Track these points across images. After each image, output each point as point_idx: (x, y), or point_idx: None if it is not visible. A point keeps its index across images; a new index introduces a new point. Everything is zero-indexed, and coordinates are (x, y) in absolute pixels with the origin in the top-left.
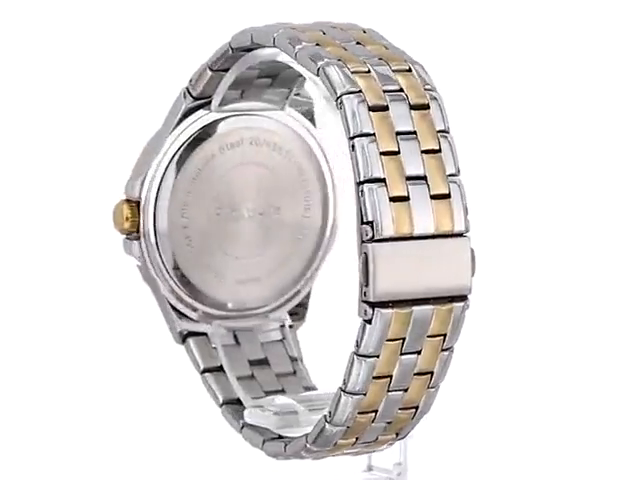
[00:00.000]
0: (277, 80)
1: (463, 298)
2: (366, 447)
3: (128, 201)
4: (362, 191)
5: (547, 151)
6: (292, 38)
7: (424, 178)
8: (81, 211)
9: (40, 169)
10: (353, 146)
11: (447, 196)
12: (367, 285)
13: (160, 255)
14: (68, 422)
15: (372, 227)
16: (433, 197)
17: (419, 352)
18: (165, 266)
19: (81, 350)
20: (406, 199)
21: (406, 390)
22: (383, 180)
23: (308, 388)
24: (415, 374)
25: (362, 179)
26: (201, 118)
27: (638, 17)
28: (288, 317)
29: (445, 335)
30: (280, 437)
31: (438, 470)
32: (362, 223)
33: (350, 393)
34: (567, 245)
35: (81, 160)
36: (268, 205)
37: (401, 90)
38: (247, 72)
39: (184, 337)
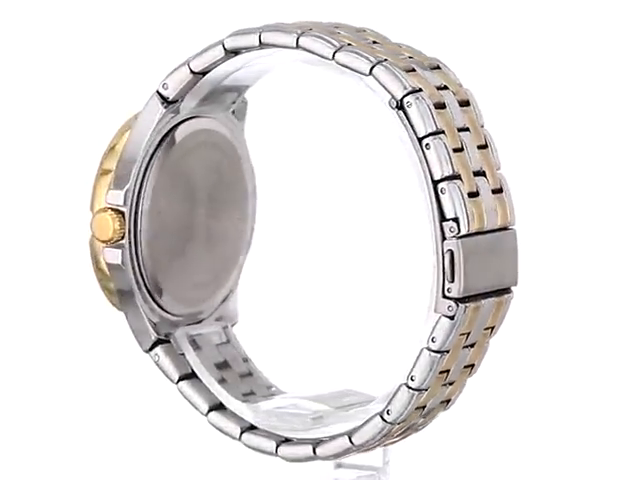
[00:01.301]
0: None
1: (509, 290)
2: (390, 442)
3: (111, 209)
4: (442, 189)
5: (545, 151)
6: (322, 39)
7: (484, 174)
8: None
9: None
10: (427, 145)
11: (500, 190)
12: (452, 281)
13: (139, 262)
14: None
15: (457, 223)
16: (493, 192)
17: (473, 345)
18: (142, 274)
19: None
20: (476, 195)
21: (452, 384)
22: (459, 177)
23: (270, 387)
24: (463, 367)
25: (440, 177)
26: (169, 121)
27: None
28: (227, 318)
29: (493, 327)
30: (287, 440)
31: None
32: (443, 220)
33: (417, 390)
34: (575, 241)
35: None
36: (216, 207)
37: (446, 87)
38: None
39: (151, 346)
